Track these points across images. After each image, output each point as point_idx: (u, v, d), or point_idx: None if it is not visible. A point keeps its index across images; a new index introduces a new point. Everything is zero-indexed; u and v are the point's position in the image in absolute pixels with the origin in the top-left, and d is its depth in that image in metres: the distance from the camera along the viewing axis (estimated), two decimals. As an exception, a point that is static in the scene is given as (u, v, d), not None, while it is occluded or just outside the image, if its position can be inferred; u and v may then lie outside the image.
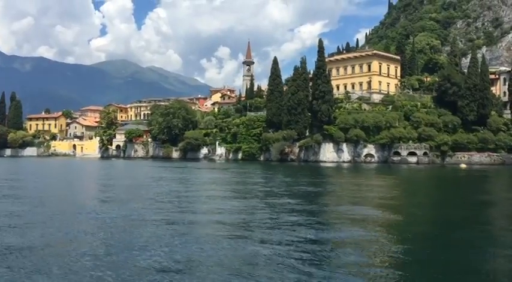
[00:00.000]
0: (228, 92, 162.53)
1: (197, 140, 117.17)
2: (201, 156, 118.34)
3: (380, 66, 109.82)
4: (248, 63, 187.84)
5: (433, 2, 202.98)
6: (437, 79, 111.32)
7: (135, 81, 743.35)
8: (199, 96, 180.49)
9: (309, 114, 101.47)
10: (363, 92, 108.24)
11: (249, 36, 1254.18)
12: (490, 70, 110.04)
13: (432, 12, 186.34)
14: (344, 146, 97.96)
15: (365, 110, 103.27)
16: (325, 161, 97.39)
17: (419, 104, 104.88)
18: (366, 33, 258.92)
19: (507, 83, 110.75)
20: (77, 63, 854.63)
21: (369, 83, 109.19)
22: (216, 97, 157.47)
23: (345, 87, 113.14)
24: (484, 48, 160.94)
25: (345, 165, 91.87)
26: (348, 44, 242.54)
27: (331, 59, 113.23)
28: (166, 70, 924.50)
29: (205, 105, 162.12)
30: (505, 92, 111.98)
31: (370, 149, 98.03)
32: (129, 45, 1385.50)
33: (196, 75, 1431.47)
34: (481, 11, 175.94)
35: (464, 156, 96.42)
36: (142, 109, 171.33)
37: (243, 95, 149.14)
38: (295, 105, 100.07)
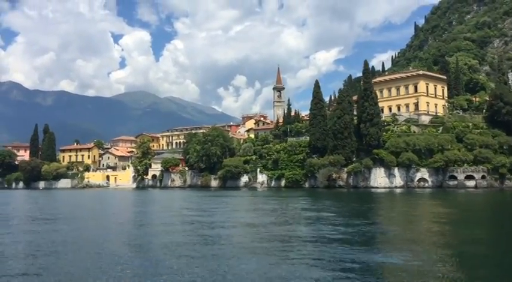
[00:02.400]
0: (262, 118, 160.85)
1: (237, 168, 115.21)
2: (241, 184, 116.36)
3: (427, 86, 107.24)
4: (279, 88, 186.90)
5: (465, 22, 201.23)
6: (487, 98, 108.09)
7: (153, 111, 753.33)
8: (231, 123, 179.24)
9: (355, 138, 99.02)
10: (410, 114, 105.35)
11: (263, 64, 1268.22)
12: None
13: (466, 32, 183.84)
14: (396, 171, 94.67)
15: (414, 132, 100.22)
16: (376, 187, 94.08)
17: (470, 124, 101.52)
18: (392, 57, 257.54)
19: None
20: (97, 95, 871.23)
21: (416, 104, 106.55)
22: (250, 124, 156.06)
23: (390, 109, 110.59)
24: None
25: (398, 191, 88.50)
26: (373, 67, 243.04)
27: (375, 80, 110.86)
28: (184, 100, 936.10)
29: (239, 132, 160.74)
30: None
31: (424, 173, 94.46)
32: (148, 76, 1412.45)
33: (213, 104, 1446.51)
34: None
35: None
36: (174, 138, 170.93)
37: (275, 121, 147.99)
38: (342, 129, 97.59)
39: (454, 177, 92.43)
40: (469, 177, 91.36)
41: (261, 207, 48.19)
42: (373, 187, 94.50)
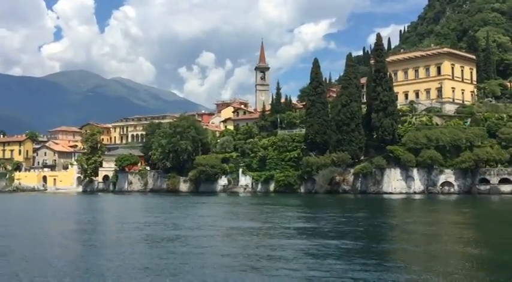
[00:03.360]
0: (242, 106, 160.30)
1: (213, 168, 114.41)
2: (219, 188, 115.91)
3: (453, 68, 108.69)
4: (263, 69, 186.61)
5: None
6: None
7: (97, 96, 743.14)
8: (203, 111, 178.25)
9: (363, 131, 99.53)
10: (432, 102, 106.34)
11: (236, 38, 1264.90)
12: None
13: (494, 2, 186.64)
14: (415, 172, 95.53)
15: (437, 124, 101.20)
16: (390, 192, 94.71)
17: (505, 115, 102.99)
18: (401, 31, 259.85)
19: None
20: (24, 75, 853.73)
21: (439, 89, 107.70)
22: (228, 112, 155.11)
23: (406, 96, 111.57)
24: None
25: (417, 197, 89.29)
26: (375, 44, 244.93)
27: (387, 60, 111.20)
28: (136, 82, 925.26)
29: (212, 123, 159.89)
30: None
31: (448, 175, 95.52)
32: (90, 52, 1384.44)
33: (173, 87, 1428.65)
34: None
35: None
36: (129, 129, 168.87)
37: (261, 109, 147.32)
38: (348, 120, 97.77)
39: (486, 181, 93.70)
40: (504, 181, 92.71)
41: (239, 225, 45.92)
42: (386, 192, 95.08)
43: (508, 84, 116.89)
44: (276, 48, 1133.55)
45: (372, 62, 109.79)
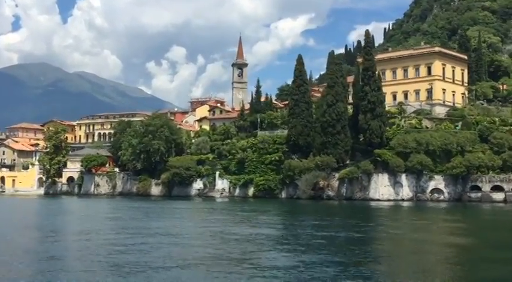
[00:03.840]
0: (219, 104, 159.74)
1: (188, 170, 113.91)
2: (194, 192, 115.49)
3: (444, 68, 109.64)
4: (241, 65, 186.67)
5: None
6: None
7: (58, 91, 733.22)
8: (176, 110, 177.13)
9: (349, 134, 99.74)
10: (421, 104, 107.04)
11: (209, 33, 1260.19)
12: None
13: (485, 0, 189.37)
14: (403, 178, 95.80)
15: (427, 127, 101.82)
16: (378, 199, 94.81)
17: (497, 119, 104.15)
18: (385, 29, 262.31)
19: None
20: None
21: (429, 90, 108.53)
22: (203, 111, 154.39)
23: (394, 97, 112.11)
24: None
25: (405, 204, 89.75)
26: (359, 42, 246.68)
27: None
28: (101, 77, 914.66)
29: (186, 123, 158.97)
30: None
31: (438, 181, 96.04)
32: (51, 43, 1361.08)
33: (140, 83, 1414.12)
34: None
35: None
36: (96, 127, 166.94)
37: (239, 107, 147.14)
38: (333, 122, 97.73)
39: (478, 188, 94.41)
40: (497, 188, 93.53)
41: (205, 232, 44.65)
42: (373, 199, 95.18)
43: (500, 86, 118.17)
44: (252, 44, 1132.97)
45: (359, 60, 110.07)
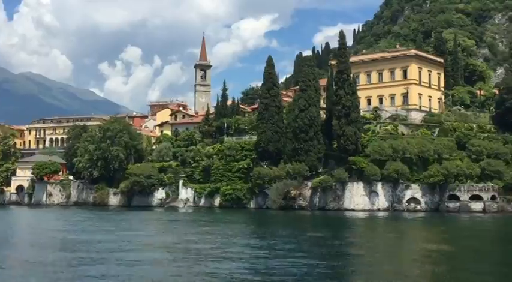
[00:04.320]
0: (181, 108, 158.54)
1: (149, 178, 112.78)
2: (155, 201, 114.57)
3: (420, 71, 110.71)
4: (204, 67, 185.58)
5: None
6: (496, 92, 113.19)
7: (2, 93, 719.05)
8: (135, 114, 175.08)
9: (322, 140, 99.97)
10: (397, 109, 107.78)
11: (166, 32, 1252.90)
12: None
13: (458, 2, 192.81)
14: (379, 187, 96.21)
15: (403, 134, 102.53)
16: (352, 209, 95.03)
17: (475, 126, 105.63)
18: (354, 30, 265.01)
19: None
20: None
21: (405, 95, 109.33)
22: (164, 115, 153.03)
23: (369, 101, 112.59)
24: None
25: (381, 214, 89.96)
26: (328, 44, 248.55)
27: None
28: (49, 78, 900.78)
29: (146, 127, 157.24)
30: None
31: (415, 190, 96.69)
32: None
33: (92, 86, 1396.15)
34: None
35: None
36: (47, 132, 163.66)
37: (204, 112, 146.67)
38: (306, 127, 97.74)
39: (456, 198, 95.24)
40: (475, 198, 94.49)
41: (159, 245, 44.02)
42: (347, 209, 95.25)
43: (478, 91, 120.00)
44: (212, 45, 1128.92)
45: (332, 62, 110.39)
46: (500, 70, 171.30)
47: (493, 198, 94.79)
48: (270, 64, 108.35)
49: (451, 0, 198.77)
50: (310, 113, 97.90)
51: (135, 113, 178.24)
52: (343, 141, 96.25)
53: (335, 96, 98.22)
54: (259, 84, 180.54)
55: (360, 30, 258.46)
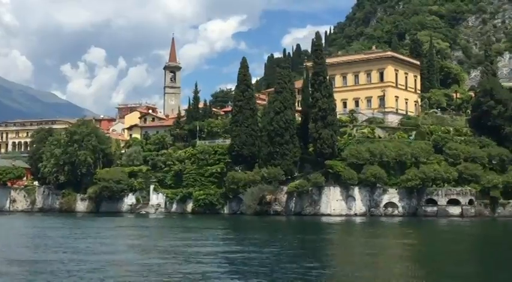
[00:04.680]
0: (150, 111, 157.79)
1: (119, 183, 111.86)
2: (125, 207, 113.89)
3: (396, 74, 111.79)
4: (173, 68, 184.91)
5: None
6: (472, 95, 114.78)
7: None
8: (102, 117, 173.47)
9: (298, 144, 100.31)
10: (373, 112, 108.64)
11: (131, 33, 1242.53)
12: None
13: (432, 4, 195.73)
14: (356, 192, 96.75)
15: (380, 137, 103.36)
16: (329, 214, 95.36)
17: (451, 129, 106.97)
18: (326, 32, 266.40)
19: None
20: None
21: (382, 98, 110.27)
22: (133, 118, 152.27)
23: (345, 104, 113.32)
24: (507, 55, 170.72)
25: (358, 219, 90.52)
26: (299, 46, 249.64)
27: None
28: (9, 80, 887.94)
29: (113, 130, 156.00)
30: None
31: (392, 195, 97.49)
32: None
33: (54, 88, 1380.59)
34: (500, 3, 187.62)
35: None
36: (10, 136, 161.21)
37: (172, 114, 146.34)
38: (281, 130, 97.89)
39: (433, 202, 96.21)
40: (453, 202, 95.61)
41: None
42: (324, 214, 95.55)
43: (454, 94, 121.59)
44: (179, 46, 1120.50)
45: (308, 64, 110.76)
46: (475, 73, 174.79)
47: (470, 202, 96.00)
48: (244, 66, 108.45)
49: (424, 2, 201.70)
50: (286, 115, 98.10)
51: (102, 116, 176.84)
52: (319, 145, 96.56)
53: (311, 99, 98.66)
54: (228, 86, 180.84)
55: (332, 32, 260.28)
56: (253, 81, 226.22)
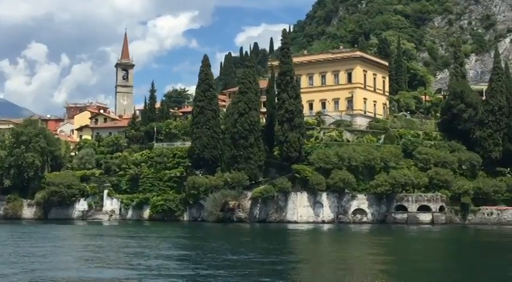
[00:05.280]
0: (102, 111, 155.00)
1: (70, 188, 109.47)
2: (76, 214, 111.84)
3: (365, 75, 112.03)
4: (126, 66, 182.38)
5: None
6: (441, 97, 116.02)
7: None
8: (49, 117, 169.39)
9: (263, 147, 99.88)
10: (341, 114, 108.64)
11: (75, 29, 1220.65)
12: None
13: (397, 3, 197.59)
14: (324, 197, 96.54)
15: (348, 141, 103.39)
16: (295, 221, 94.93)
17: (421, 133, 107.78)
18: (285, 30, 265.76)
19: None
20: None
21: (350, 100, 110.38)
22: (83, 118, 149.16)
23: (311, 106, 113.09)
24: (473, 57, 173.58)
25: (326, 227, 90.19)
26: (256, 44, 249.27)
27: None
28: None
29: (61, 131, 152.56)
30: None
31: (361, 201, 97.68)
32: None
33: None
34: (466, 4, 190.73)
35: (492, 213, 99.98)
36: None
37: (126, 115, 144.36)
38: (246, 133, 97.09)
39: (403, 208, 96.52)
40: (424, 209, 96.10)
41: None
42: (290, 221, 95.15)
43: (423, 97, 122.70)
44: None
45: (274, 63, 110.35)
46: (441, 75, 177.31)
47: (441, 209, 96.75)
48: (206, 64, 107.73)
49: (388, 1, 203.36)
50: (251, 117, 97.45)
51: (49, 116, 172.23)
52: (286, 148, 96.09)
53: (278, 100, 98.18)
54: (178, 86, 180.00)
55: (292, 30, 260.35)
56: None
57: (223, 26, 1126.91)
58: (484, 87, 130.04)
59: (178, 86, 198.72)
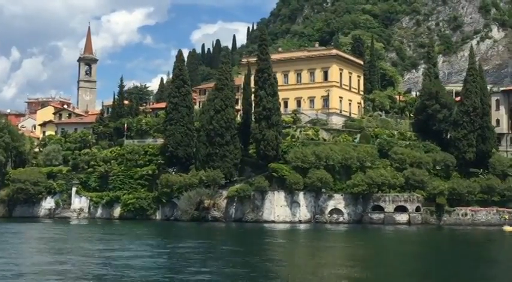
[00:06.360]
0: (65, 106, 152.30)
1: (36, 185, 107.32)
2: (43, 212, 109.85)
3: (341, 73, 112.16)
4: (89, 61, 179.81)
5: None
6: (415, 97, 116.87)
7: None
8: (9, 111, 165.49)
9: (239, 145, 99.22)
10: (317, 113, 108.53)
11: (26, 22, 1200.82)
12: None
13: (365, 3, 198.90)
14: (301, 197, 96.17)
15: (324, 140, 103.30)
16: (272, 221, 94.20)
17: (396, 133, 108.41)
18: (249, 29, 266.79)
19: (505, 108, 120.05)
20: None
21: (326, 98, 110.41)
22: (46, 113, 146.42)
23: (286, 104, 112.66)
24: (440, 58, 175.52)
25: (302, 227, 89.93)
26: (217, 41, 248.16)
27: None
28: None
29: (23, 127, 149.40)
30: (498, 120, 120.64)
31: (338, 201, 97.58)
32: None
33: None
34: (434, 5, 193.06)
35: (466, 213, 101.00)
36: None
37: (87, 110, 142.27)
38: (222, 130, 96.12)
39: (380, 208, 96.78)
40: (400, 209, 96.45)
41: None
42: (267, 221, 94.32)
43: (397, 97, 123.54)
44: (77, 39, 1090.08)
45: (251, 59, 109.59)
46: (408, 75, 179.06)
47: (417, 209, 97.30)
48: (180, 59, 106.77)
49: (356, 1, 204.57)
50: (227, 114, 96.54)
51: (9, 111, 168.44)
52: (263, 147, 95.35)
53: (255, 97, 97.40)
54: (134, 83, 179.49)
55: (254, 28, 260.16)
56: (163, 77, 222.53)
57: (179, 22, 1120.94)
58: (453, 88, 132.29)
59: (132, 83, 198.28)
